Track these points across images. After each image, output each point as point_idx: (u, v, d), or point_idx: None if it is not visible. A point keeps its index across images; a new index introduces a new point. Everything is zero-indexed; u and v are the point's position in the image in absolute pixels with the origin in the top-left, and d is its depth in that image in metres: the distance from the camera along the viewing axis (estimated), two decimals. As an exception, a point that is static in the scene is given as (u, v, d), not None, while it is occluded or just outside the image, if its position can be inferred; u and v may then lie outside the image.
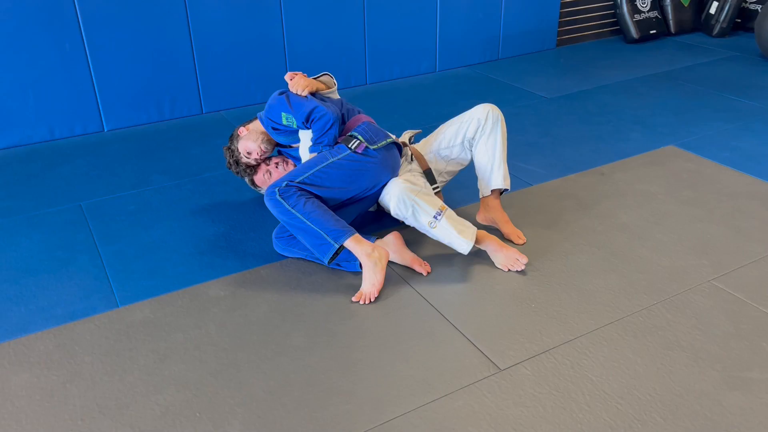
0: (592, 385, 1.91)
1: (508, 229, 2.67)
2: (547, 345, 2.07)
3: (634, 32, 5.31)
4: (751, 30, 5.55)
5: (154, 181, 3.24)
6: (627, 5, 5.29)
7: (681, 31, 5.56)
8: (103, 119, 3.82)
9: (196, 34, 3.89)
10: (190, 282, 2.43)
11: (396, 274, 2.44)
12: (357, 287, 2.36)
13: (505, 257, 2.47)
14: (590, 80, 4.53)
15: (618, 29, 5.60)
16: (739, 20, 5.57)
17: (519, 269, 2.45)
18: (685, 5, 5.55)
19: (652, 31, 5.39)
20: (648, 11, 5.39)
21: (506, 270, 2.47)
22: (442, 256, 2.55)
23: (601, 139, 3.60)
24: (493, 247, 2.49)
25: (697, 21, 5.63)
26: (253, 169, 2.81)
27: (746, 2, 5.51)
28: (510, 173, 3.06)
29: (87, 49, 3.62)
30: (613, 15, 5.52)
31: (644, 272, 2.43)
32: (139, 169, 3.37)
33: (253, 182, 2.86)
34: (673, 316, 2.20)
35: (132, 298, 2.35)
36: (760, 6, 5.46)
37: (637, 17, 5.33)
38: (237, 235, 2.75)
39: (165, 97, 3.95)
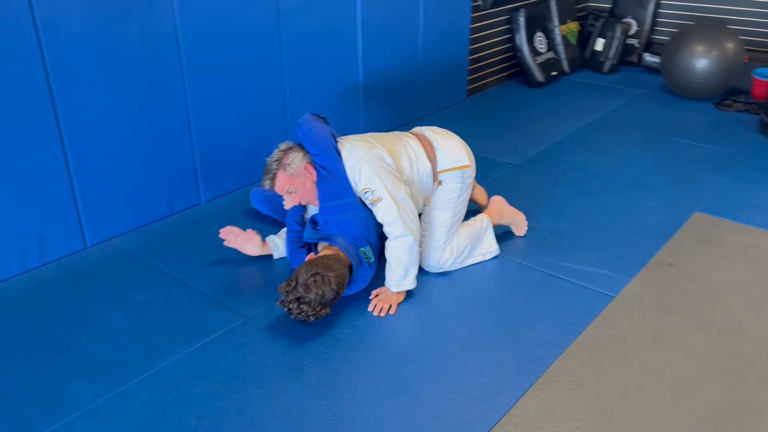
0: None
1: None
2: None
3: (539, 75, 4.96)
4: (631, 64, 5.54)
5: (79, 400, 1.96)
6: (527, 47, 4.93)
7: (573, 69, 5.35)
8: (-70, 289, 2.37)
9: (70, 143, 2.60)
10: None
11: None
12: None
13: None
14: (538, 136, 4.01)
15: (516, 72, 5.23)
16: (620, 55, 5.53)
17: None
18: (573, 43, 5.36)
19: (553, 73, 5.09)
20: (546, 52, 5.09)
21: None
22: None
23: (621, 215, 3.05)
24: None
25: (583, 58, 5.48)
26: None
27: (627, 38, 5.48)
28: (571, 280, 2.58)
29: None
30: (511, 59, 5.13)
31: None
32: (38, 366, 2.05)
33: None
34: None
35: None
36: (637, 41, 5.47)
37: (539, 59, 4.99)
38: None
39: (30, 237, 2.59)
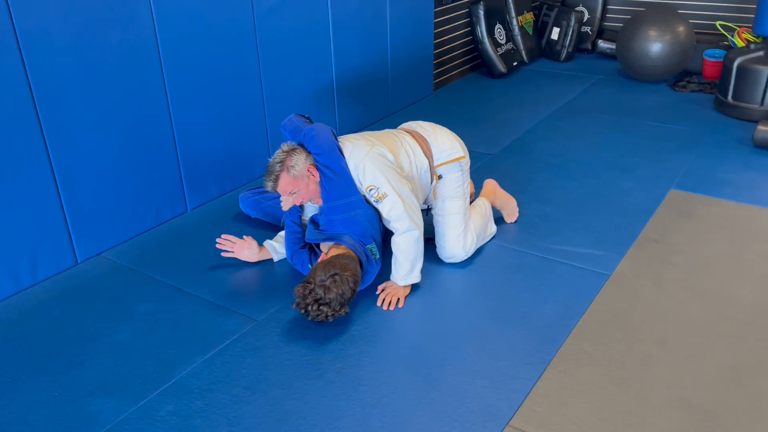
0: None
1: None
2: None
3: (501, 66, 5.06)
4: (585, 51, 5.71)
5: (102, 417, 1.93)
6: (488, 39, 5.03)
7: (531, 59, 5.49)
8: None
9: (57, 158, 2.54)
10: None
11: None
12: None
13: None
14: (510, 125, 4.11)
15: (477, 64, 5.32)
16: (573, 43, 5.70)
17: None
18: (530, 33, 5.50)
19: (514, 63, 5.21)
20: (505, 43, 5.20)
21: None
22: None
23: (602, 196, 3.17)
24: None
25: (540, 48, 5.62)
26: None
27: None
28: (566, 262, 2.66)
29: None
30: (472, 51, 5.23)
31: None
32: (51, 386, 2.01)
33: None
34: None
35: None
36: (589, 28, 5.65)
37: (499, 50, 5.10)
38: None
39: (21, 256, 2.52)
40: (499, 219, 2.94)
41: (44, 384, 2.07)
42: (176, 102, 2.94)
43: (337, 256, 2.29)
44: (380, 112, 4.27)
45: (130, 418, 1.92)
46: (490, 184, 2.92)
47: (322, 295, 2.16)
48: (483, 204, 2.76)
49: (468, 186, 2.64)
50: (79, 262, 2.73)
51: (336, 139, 2.42)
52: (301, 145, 2.43)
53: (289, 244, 2.60)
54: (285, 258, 2.69)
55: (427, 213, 2.69)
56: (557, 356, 2.12)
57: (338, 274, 2.18)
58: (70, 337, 2.28)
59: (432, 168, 2.55)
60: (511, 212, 2.92)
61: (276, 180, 2.37)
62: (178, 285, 2.57)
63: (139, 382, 2.06)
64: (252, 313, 2.38)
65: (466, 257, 2.62)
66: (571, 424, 1.86)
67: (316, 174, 2.38)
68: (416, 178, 2.51)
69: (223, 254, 2.67)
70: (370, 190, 2.35)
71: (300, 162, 2.36)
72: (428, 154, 2.54)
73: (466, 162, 2.62)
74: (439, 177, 2.57)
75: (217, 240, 2.67)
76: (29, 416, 1.94)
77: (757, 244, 2.72)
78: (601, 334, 2.21)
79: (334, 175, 2.34)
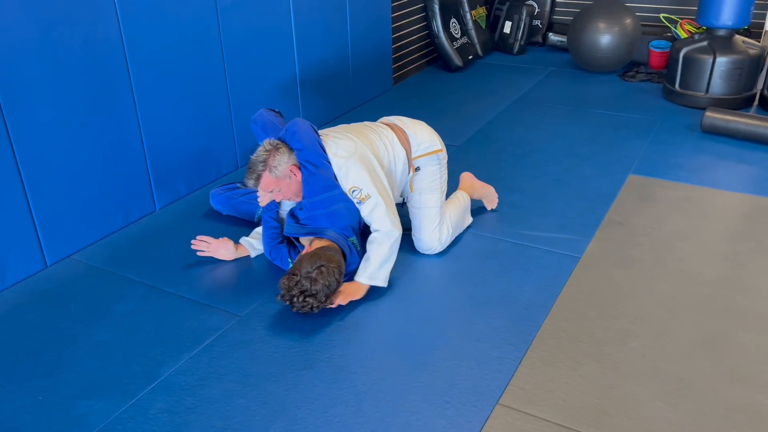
0: None
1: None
2: None
3: (457, 60, 5.15)
4: (536, 44, 5.86)
5: (91, 419, 1.90)
6: (444, 34, 5.11)
7: (485, 52, 5.60)
8: None
9: (23, 159, 2.47)
10: None
11: None
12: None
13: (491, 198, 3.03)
14: (470, 118, 4.20)
15: (433, 59, 5.40)
16: (524, 36, 5.84)
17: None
18: (483, 27, 5.61)
19: (469, 57, 5.30)
20: (461, 37, 5.29)
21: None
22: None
23: (565, 183, 3.28)
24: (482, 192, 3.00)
25: (493, 41, 5.74)
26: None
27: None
28: (537, 246, 2.74)
29: None
30: (428, 46, 5.30)
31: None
32: (34, 391, 1.96)
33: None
34: None
35: None
36: (539, 21, 5.80)
37: (455, 44, 5.19)
38: None
39: (-11, 261, 2.45)
40: (479, 208, 3.02)
41: (27, 389, 2.02)
42: (142, 100, 2.90)
43: (322, 248, 2.31)
44: (343, 106, 4.29)
45: (121, 417, 1.91)
46: (467, 178, 2.99)
47: (308, 286, 2.18)
48: (461, 196, 2.82)
49: (445, 180, 2.70)
50: (48, 265, 2.67)
51: (317, 134, 2.44)
52: (283, 141, 2.43)
53: (266, 239, 2.60)
54: (262, 253, 2.69)
55: (402, 206, 2.74)
56: (538, 336, 2.20)
57: (324, 265, 2.20)
58: (48, 341, 2.23)
59: (410, 159, 2.59)
60: (492, 199, 3.00)
61: (258, 179, 2.36)
62: (155, 284, 2.54)
63: (126, 382, 2.04)
64: (234, 309, 2.38)
65: (441, 249, 2.68)
66: (557, 399, 1.94)
67: (299, 174, 2.38)
68: (394, 172, 2.55)
69: (198, 253, 2.65)
70: (354, 191, 2.37)
71: (283, 162, 2.35)
72: (406, 145, 2.58)
73: (444, 156, 2.68)
74: (417, 169, 2.62)
75: (192, 241, 2.65)
76: (15, 421, 1.90)
77: (712, 223, 2.88)
78: (578, 313, 2.31)
79: (316, 170, 2.36)
